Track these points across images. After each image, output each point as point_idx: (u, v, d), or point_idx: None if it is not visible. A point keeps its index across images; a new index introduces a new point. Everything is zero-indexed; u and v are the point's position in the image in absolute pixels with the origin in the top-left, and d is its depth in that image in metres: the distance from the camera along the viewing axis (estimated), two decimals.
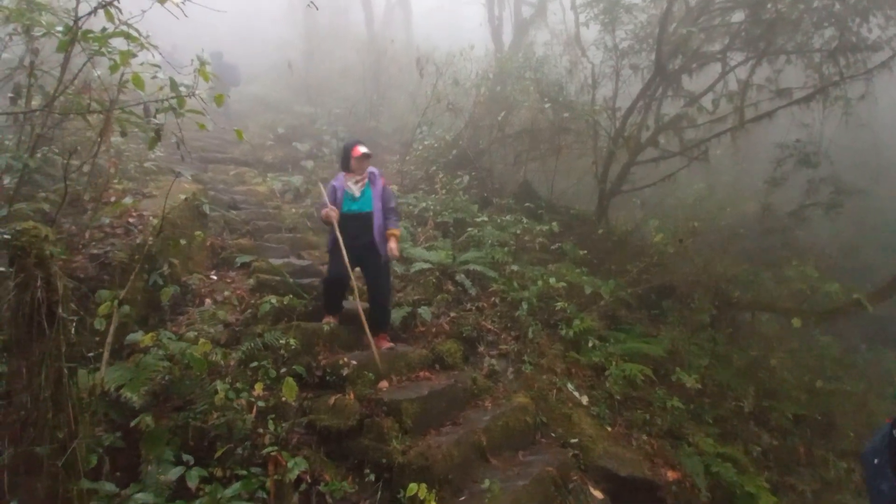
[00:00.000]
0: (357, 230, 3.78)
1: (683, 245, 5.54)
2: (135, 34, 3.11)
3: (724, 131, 6.36)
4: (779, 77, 6.23)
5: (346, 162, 3.91)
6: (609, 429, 3.82)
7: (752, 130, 6.24)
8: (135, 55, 3.15)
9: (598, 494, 3.26)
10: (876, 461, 2.75)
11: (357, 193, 3.85)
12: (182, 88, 2.85)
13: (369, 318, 3.71)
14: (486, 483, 2.65)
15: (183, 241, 3.11)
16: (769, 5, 5.72)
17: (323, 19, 15.02)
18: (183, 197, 3.89)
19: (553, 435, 3.65)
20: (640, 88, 6.85)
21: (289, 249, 5.24)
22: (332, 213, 3.71)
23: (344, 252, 3.62)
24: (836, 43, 5.93)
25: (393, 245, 3.90)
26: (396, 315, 4.24)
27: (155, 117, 3.35)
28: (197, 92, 2.85)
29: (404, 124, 9.86)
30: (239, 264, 4.31)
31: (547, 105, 7.38)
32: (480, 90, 8.09)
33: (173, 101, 3.10)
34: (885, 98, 7.83)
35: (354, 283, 3.76)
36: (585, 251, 5.87)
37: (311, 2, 3.31)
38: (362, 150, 3.83)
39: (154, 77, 3.37)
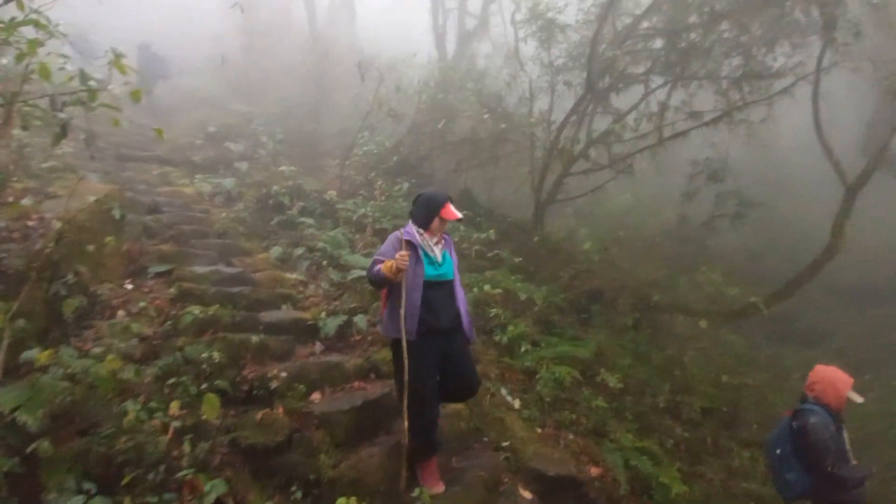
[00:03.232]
0: (441, 304, 2.85)
1: (608, 252, 5.92)
2: (44, 22, 2.87)
3: (645, 147, 6.88)
4: (692, 100, 6.85)
5: (428, 219, 2.90)
6: (539, 430, 3.99)
7: (669, 147, 6.81)
8: (42, 44, 2.91)
9: (527, 495, 3.39)
10: (778, 451, 3.09)
11: (439, 257, 2.92)
12: (93, 82, 2.66)
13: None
14: (416, 492, 2.69)
15: (90, 247, 2.87)
16: (684, 35, 6.29)
17: (263, 14, 14.50)
18: (92, 198, 3.58)
19: (486, 439, 3.74)
20: (573, 103, 7.26)
21: (217, 256, 4.99)
22: (403, 261, 2.66)
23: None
24: (741, 71, 6.63)
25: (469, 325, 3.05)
26: (332, 324, 4.18)
27: (62, 111, 3.09)
28: (110, 87, 2.67)
29: (346, 128, 9.72)
30: (152, 274, 4.00)
31: (486, 115, 7.60)
32: (422, 97, 8.17)
33: (83, 95, 2.89)
34: (785, 121, 8.84)
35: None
36: (521, 258, 6.10)
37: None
38: (457, 213, 2.91)
39: (61, 68, 3.12)
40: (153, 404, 2.47)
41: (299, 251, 5.55)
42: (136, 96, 2.84)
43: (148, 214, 5.29)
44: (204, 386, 2.77)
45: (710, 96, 7.03)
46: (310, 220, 6.05)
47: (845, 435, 2.99)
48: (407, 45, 9.81)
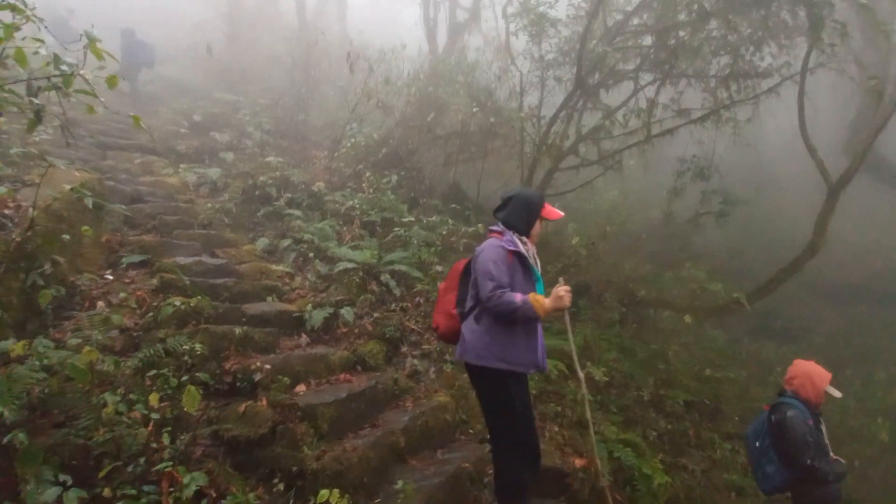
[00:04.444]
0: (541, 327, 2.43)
1: (595, 247, 5.96)
2: (21, 6, 2.78)
3: (634, 144, 6.92)
4: (680, 98, 6.90)
5: (530, 223, 2.52)
6: None
7: (657, 145, 6.86)
8: (19, 28, 2.82)
9: None
10: (757, 444, 3.15)
11: (539, 270, 2.54)
12: (65, 67, 2.57)
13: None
14: (399, 484, 2.68)
15: (66, 237, 2.78)
16: (673, 33, 6.31)
17: (248, 1, 14.24)
18: (68, 187, 3.48)
19: (472, 432, 3.76)
20: (563, 99, 7.26)
21: (201, 247, 4.90)
22: (568, 297, 2.33)
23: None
24: (728, 70, 6.69)
25: None
26: (318, 316, 4.14)
27: (36, 97, 3.00)
28: (82, 71, 2.58)
29: (334, 120, 9.61)
30: (125, 265, 3.91)
31: (476, 109, 7.57)
32: (412, 90, 8.10)
33: (57, 80, 2.80)
34: (770, 120, 8.97)
35: None
36: None
37: None
38: (559, 211, 2.59)
39: (36, 53, 3.02)
40: (133, 396, 2.42)
41: (286, 243, 5.48)
42: (111, 82, 2.75)
43: (130, 204, 5.18)
44: (185, 378, 2.72)
45: (698, 94, 7.08)
46: (297, 212, 5.98)
47: (824, 429, 3.03)
48: (397, 38, 9.70)
